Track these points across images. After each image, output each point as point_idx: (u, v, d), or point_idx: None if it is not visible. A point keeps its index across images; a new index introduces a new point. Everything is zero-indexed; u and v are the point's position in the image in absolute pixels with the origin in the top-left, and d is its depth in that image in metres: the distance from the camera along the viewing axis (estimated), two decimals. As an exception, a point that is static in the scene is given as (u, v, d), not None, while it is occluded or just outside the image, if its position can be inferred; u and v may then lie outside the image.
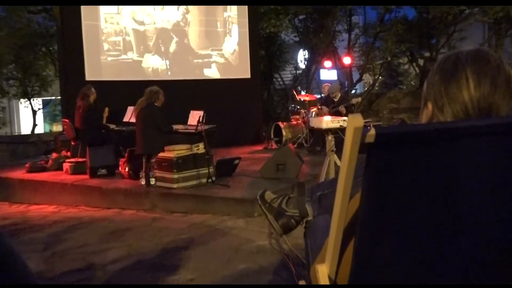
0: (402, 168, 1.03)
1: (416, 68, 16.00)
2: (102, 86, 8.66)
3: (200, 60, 10.35)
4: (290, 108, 10.78)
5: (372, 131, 0.95)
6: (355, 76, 16.11)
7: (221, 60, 10.54)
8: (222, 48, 10.56)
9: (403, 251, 1.09)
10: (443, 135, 1.02)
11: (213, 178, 6.01)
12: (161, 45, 9.98)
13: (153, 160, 6.12)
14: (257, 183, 6.01)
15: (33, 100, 15.90)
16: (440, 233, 1.08)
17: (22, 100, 16.69)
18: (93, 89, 7.64)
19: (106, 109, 7.87)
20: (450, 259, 1.08)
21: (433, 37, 14.76)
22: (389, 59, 14.49)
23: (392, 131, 0.99)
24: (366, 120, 10.15)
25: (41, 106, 16.90)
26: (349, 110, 8.77)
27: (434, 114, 1.18)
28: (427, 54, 15.21)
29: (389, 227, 1.07)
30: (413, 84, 19.44)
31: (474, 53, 1.16)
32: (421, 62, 15.80)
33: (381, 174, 1.02)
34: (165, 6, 9.89)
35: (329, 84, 9.80)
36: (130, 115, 8.14)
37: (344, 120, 5.02)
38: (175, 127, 6.84)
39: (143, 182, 6.08)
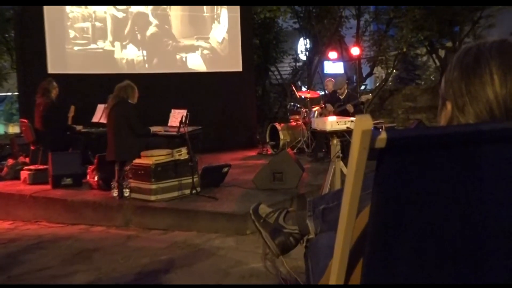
0: (417, 178, 1.04)
1: (436, 60, 16.08)
2: (67, 80, 8.64)
3: (183, 50, 10.37)
4: (288, 106, 10.82)
5: (383, 135, 0.96)
6: (365, 70, 16.17)
7: (208, 50, 10.56)
8: (209, 36, 10.59)
9: (420, 274, 1.10)
10: (464, 140, 1.03)
11: (198, 189, 6.00)
12: (137, 32, 9.99)
13: (127, 168, 6.11)
14: (250, 194, 6.00)
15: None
16: (462, 252, 1.09)
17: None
18: (54, 83, 7.62)
19: (72, 108, 7.84)
20: (472, 280, 1.10)
21: (456, 24, 14.85)
22: (404, 49, 14.54)
23: (405, 135, 1.00)
24: (377, 121, 10.20)
25: (-6, 104, 16.84)
26: (358, 109, 8.80)
27: (454, 115, 1.20)
28: (449, 44, 15.31)
29: (404, 246, 1.08)
30: (433, 79, 19.55)
31: (498, 44, 1.17)
32: (442, 53, 15.89)
33: (394, 185, 1.03)
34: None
35: (332, 80, 9.84)
36: (100, 115, 8.13)
37: (351, 121, 5.04)
38: (153, 129, 6.84)
39: (115, 193, 6.06)
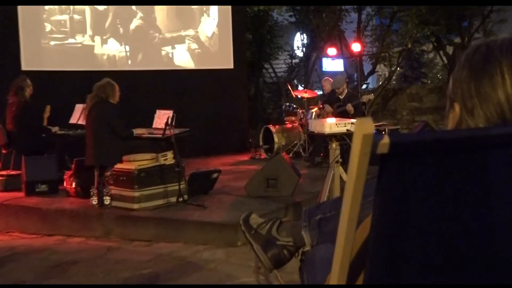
0: (423, 185, 1.04)
1: (444, 58, 16.14)
2: (42, 77, 8.61)
3: (170, 46, 10.36)
4: (284, 107, 10.82)
5: (386, 139, 0.96)
6: (367, 67, 16.21)
7: (197, 46, 10.56)
8: (198, 31, 10.59)
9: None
10: (473, 145, 1.03)
11: (185, 197, 6.00)
12: (119, 25, 9.98)
13: (107, 174, 6.09)
14: (242, 203, 6.01)
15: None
16: (472, 267, 1.09)
17: None
18: (28, 81, 7.58)
19: (48, 108, 7.81)
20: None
21: (464, 18, 14.93)
22: (409, 46, 14.59)
23: (410, 140, 1.00)
24: (380, 123, 10.24)
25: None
26: (359, 110, 8.84)
27: (462, 118, 1.20)
28: (457, 40, 15.37)
29: (409, 260, 1.08)
30: (440, 77, 19.61)
31: (510, 42, 1.18)
32: (449, 50, 15.96)
33: (397, 193, 1.03)
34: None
35: (329, 79, 9.86)
36: (78, 116, 8.07)
37: (352, 123, 5.06)
38: (136, 131, 6.83)
39: (94, 201, 6.04)
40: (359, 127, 0.96)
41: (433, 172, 1.04)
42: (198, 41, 10.60)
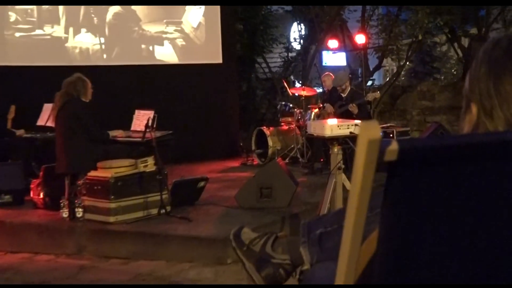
0: (436, 196, 1.04)
1: (459, 51, 16.22)
2: (6, 73, 8.58)
3: (150, 38, 10.35)
4: (279, 106, 10.82)
5: (394, 146, 0.96)
6: (372, 62, 16.25)
7: (181, 38, 10.56)
8: (181, 21, 10.59)
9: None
10: (492, 151, 1.03)
11: (168, 208, 5.98)
12: (93, 15, 9.97)
13: (80, 182, 6.07)
14: (232, 215, 6.00)
15: None
16: (486, 284, 1.10)
17: None
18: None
19: (12, 108, 7.78)
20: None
21: (482, 6, 14.99)
22: (420, 37, 14.63)
23: (421, 145, 1.00)
24: (388, 125, 10.27)
25: None
26: (363, 110, 8.86)
27: (480, 120, 1.20)
28: (473, 31, 15.44)
29: (419, 279, 1.08)
30: (454, 73, 19.70)
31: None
32: (465, 42, 16.04)
33: (407, 205, 1.04)
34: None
35: (331, 75, 9.87)
36: (47, 117, 8.04)
37: (356, 125, 5.08)
38: (113, 133, 6.81)
39: (65, 214, 6.02)
40: (364, 132, 0.96)
41: (447, 181, 1.04)
42: (182, 33, 10.59)
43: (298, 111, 9.81)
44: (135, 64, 10.06)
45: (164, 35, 10.45)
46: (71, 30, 9.79)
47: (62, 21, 9.73)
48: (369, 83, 15.69)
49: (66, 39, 9.77)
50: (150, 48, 10.39)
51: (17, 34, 9.40)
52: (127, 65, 9.97)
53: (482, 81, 1.20)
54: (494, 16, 14.93)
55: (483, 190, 1.05)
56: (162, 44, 10.45)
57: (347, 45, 16.31)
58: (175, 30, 10.55)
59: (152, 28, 10.37)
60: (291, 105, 10.32)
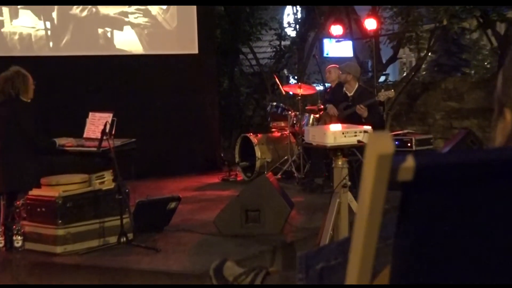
0: (462, 225, 1.05)
1: (492, 39, 16.28)
2: None
3: (109, 22, 10.33)
4: (269, 108, 10.83)
5: (409, 162, 0.97)
6: (386, 52, 16.31)
7: (146, 22, 10.55)
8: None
9: None
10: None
11: (130, 236, 5.97)
12: (36, -7, 9.95)
13: (19, 203, 6.04)
14: (210, 244, 5.99)
15: None
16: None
17: None
18: None
19: None
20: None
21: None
22: (445, 22, 14.68)
23: (443, 162, 1.01)
24: (404, 131, 10.31)
25: None
26: (374, 113, 8.86)
27: (516, 129, 1.22)
28: (511, 15, 15.51)
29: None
30: (488, 66, 19.78)
31: None
32: (501, 28, 16.11)
33: (426, 235, 1.05)
34: None
35: (337, 67, 9.86)
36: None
37: (365, 132, 5.09)
38: (60, 141, 6.79)
39: (0, 243, 5.99)
40: (372, 145, 0.96)
41: (477, 206, 1.05)
42: (148, 15, 10.58)
43: (293, 114, 9.81)
44: (89, 55, 10.04)
45: (125, 18, 10.42)
46: (7, 12, 9.75)
47: (-3, 1, 9.71)
48: (382, 79, 15.72)
49: (2, 23, 9.74)
50: (108, 34, 10.37)
51: None
52: (79, 55, 9.95)
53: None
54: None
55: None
56: (122, 29, 10.42)
57: (354, 32, 16.32)
58: (139, 12, 10.51)
59: (110, 10, 10.34)
60: (284, 106, 10.31)
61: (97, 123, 7.09)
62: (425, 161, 0.98)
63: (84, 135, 7.30)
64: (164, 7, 10.61)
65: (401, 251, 1.06)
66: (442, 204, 1.03)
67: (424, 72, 17.83)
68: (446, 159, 1.03)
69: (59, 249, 5.73)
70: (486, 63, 20.36)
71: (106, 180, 6.02)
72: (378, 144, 0.95)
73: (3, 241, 5.98)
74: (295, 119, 9.72)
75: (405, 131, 10.52)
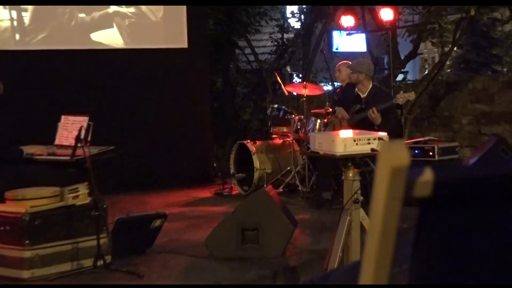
0: (485, 245, 1.05)
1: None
2: None
3: (84, 13, 10.35)
4: (269, 111, 10.86)
5: (427, 176, 0.97)
6: (404, 47, 16.36)
7: (128, 12, 10.57)
8: (129, -13, 10.62)
9: None
10: None
11: (108, 259, 5.98)
12: (1, -22, 9.97)
13: (-20, 220, 6.06)
14: (202, 268, 6.02)
15: None
16: None
17: None
18: None
19: None
20: None
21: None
22: (472, 12, 14.74)
23: (466, 176, 1.01)
24: (426, 138, 10.32)
25: None
26: (390, 118, 8.87)
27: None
28: (548, 5, 15.57)
29: None
30: (523, 64, 19.84)
31: None
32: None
33: (446, 257, 1.05)
34: None
35: (349, 63, 9.86)
36: None
37: (380, 139, 5.10)
38: (29, 150, 6.81)
39: (-42, 266, 6.00)
40: (385, 156, 0.96)
41: (504, 223, 1.05)
42: (131, 7, 10.59)
43: (296, 117, 9.84)
44: (63, 49, 10.05)
45: (104, 10, 10.43)
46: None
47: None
48: (400, 77, 15.76)
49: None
50: (85, 26, 10.38)
51: None
52: (51, 49, 9.96)
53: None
54: None
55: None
56: (102, 22, 10.44)
57: (368, 23, 16.38)
58: (121, 4, 10.51)
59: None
60: (286, 109, 10.35)
61: (70, 128, 7.10)
62: (446, 174, 0.97)
63: (56, 142, 7.31)
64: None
65: (418, 278, 1.05)
66: (464, 224, 1.02)
67: (448, 70, 17.87)
68: (471, 172, 1.02)
69: (25, 274, 5.74)
70: (520, 60, 20.44)
71: (80, 194, 6.03)
72: (391, 155, 0.95)
73: (-39, 264, 5.99)
74: (299, 123, 9.75)
75: (427, 138, 10.52)
